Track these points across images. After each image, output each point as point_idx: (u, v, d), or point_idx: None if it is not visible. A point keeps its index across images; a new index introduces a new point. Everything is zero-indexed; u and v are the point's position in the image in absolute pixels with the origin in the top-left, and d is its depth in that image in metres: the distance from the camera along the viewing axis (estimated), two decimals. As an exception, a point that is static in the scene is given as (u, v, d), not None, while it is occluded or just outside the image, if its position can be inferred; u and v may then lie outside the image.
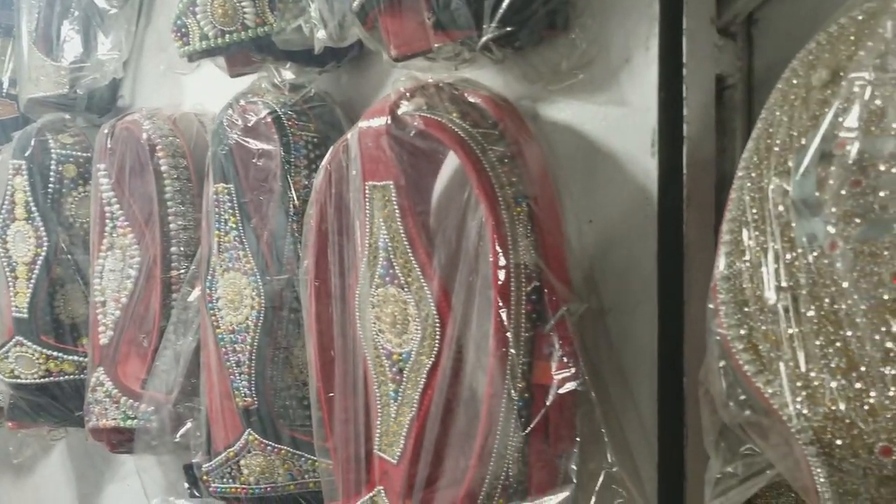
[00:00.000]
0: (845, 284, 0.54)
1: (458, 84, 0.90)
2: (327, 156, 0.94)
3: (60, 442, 1.80)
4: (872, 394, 0.51)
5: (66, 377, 1.60)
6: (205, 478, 1.18)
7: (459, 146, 0.80)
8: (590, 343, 0.88)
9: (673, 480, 0.82)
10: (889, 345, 0.51)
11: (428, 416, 0.83)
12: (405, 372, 0.86)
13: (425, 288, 0.84)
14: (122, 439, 1.34)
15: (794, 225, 0.57)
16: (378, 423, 0.89)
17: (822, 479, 0.55)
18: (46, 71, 1.64)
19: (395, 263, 0.86)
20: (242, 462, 1.14)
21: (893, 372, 0.51)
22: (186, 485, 1.27)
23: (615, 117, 0.91)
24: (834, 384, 0.53)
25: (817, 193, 0.56)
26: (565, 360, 0.81)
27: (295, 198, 1.06)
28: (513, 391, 0.78)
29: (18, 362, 1.59)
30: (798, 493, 0.60)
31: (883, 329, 0.52)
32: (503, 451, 0.79)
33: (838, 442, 0.52)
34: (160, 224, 1.31)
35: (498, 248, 0.78)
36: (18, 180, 1.59)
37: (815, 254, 0.56)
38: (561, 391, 0.80)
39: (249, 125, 1.09)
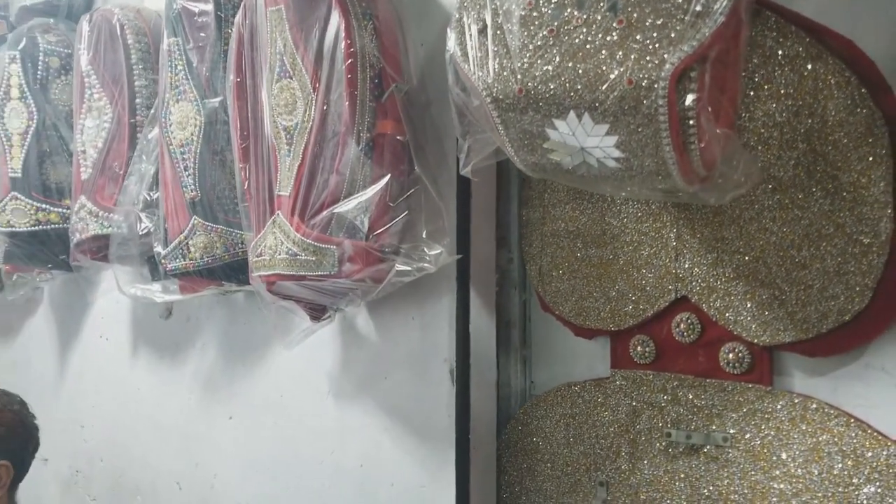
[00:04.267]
0: (514, 13, 0.99)
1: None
2: (244, -1, 1.39)
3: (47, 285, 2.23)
4: (515, 62, 0.97)
5: (53, 226, 2.01)
6: (163, 261, 1.62)
7: (324, -22, 1.26)
8: (419, 121, 1.33)
9: (465, 189, 1.28)
10: (526, 39, 0.97)
11: (307, 159, 1.28)
12: (294, 136, 1.31)
13: (305, 76, 1.28)
14: (100, 245, 1.77)
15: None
16: (278, 175, 1.34)
17: (496, 119, 1.01)
18: (34, -18, 2.06)
19: (286, 62, 1.31)
20: (191, 242, 1.57)
21: (527, 48, 0.97)
22: (149, 273, 1.71)
23: (434, -22, 1.37)
24: (497, 61, 0.99)
25: (497, -34, 1.02)
26: (398, 118, 1.26)
27: (223, 42, 1.50)
28: (361, 136, 1.23)
29: (14, 214, 2.01)
30: (498, 144, 1.06)
31: (525, 32, 0.98)
32: (355, 174, 1.24)
33: (501, 92, 0.98)
34: (128, 83, 1.74)
35: (348, 39, 1.23)
36: (13, 67, 2.00)
37: (506, 6, 1.01)
38: (397, 136, 1.26)
39: (192, -7, 1.53)
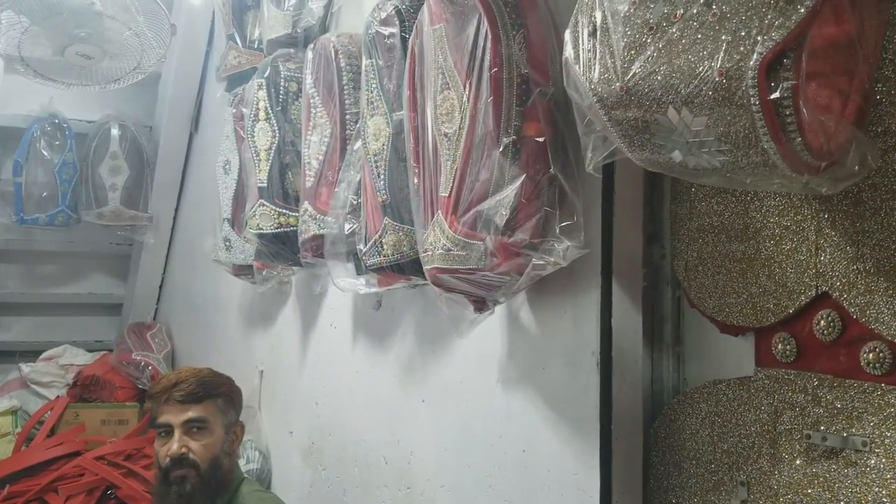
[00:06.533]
0: (619, 13, 1.03)
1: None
2: (418, 18, 1.53)
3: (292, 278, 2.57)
4: (617, 61, 1.01)
5: (291, 228, 2.32)
6: (363, 258, 1.82)
7: (477, -2, 1.37)
8: (563, 118, 1.39)
9: (609, 185, 1.32)
10: (628, 37, 1.00)
11: (463, 162, 1.39)
12: (453, 141, 1.43)
13: (460, 85, 1.40)
14: (318, 244, 2.03)
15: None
16: (441, 177, 1.47)
17: (604, 118, 1.05)
18: (277, 18, 2.40)
19: (446, 75, 1.43)
20: (384, 241, 1.76)
21: (630, 47, 1.00)
22: (353, 267, 1.93)
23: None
24: (602, 62, 1.03)
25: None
26: (540, 121, 1.34)
27: (408, 60, 1.66)
28: (504, 139, 1.32)
29: (261, 218, 2.35)
30: (613, 141, 1.09)
31: (627, 31, 1.01)
32: (499, 174, 1.33)
33: (605, 92, 1.02)
34: (339, 101, 1.98)
35: (494, 50, 1.33)
36: (261, 93, 2.35)
37: (614, 6, 1.05)
38: (537, 138, 1.33)
39: (383, 18, 1.72)
